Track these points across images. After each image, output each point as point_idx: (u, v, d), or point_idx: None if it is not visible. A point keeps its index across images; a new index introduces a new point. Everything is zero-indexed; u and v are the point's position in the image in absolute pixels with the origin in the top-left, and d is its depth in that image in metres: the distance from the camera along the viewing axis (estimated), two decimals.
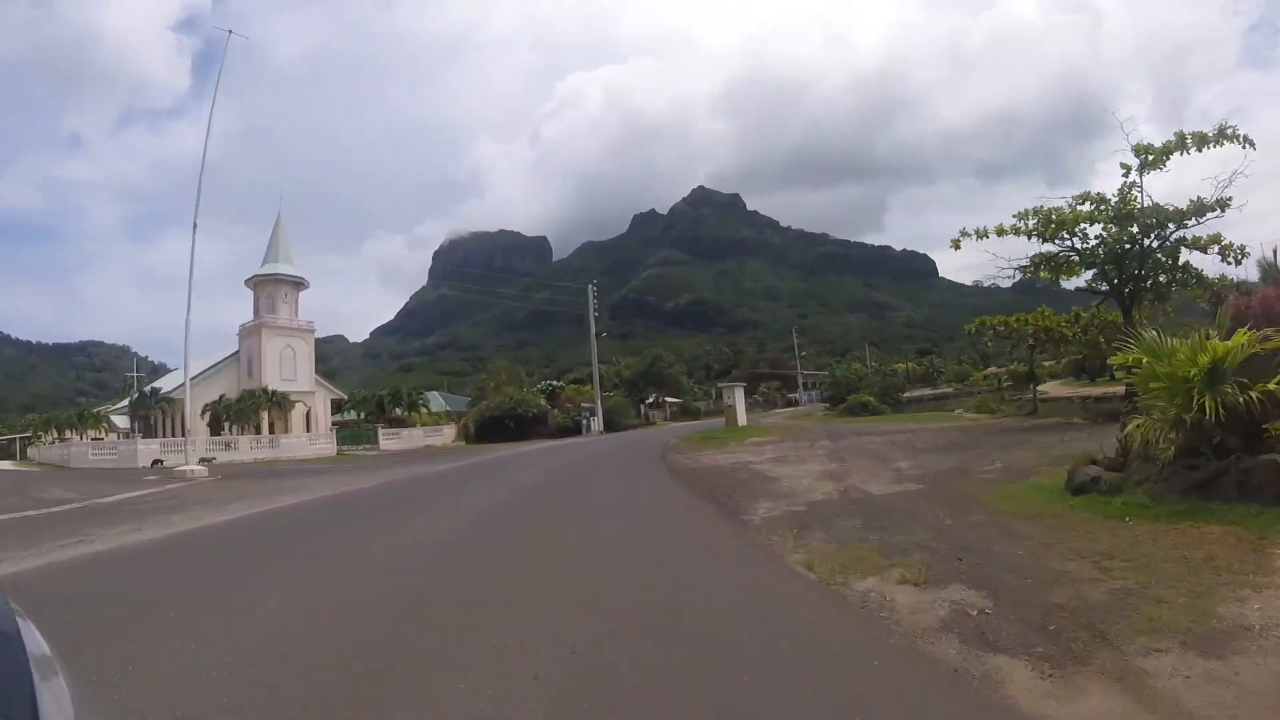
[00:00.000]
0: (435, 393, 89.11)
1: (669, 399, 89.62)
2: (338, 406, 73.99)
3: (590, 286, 77.30)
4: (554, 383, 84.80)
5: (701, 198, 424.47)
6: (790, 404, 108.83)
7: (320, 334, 78.03)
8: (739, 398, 48.32)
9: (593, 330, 75.31)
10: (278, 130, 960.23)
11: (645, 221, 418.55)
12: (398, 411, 68.93)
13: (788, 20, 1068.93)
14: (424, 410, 72.81)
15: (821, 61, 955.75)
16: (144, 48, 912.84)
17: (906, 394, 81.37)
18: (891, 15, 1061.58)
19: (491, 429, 63.29)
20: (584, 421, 66.33)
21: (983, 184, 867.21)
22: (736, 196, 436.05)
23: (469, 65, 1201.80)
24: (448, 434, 67.37)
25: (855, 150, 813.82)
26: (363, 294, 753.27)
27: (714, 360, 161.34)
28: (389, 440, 61.38)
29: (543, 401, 69.55)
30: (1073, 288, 32.96)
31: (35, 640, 1.47)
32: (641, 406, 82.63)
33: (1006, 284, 35.51)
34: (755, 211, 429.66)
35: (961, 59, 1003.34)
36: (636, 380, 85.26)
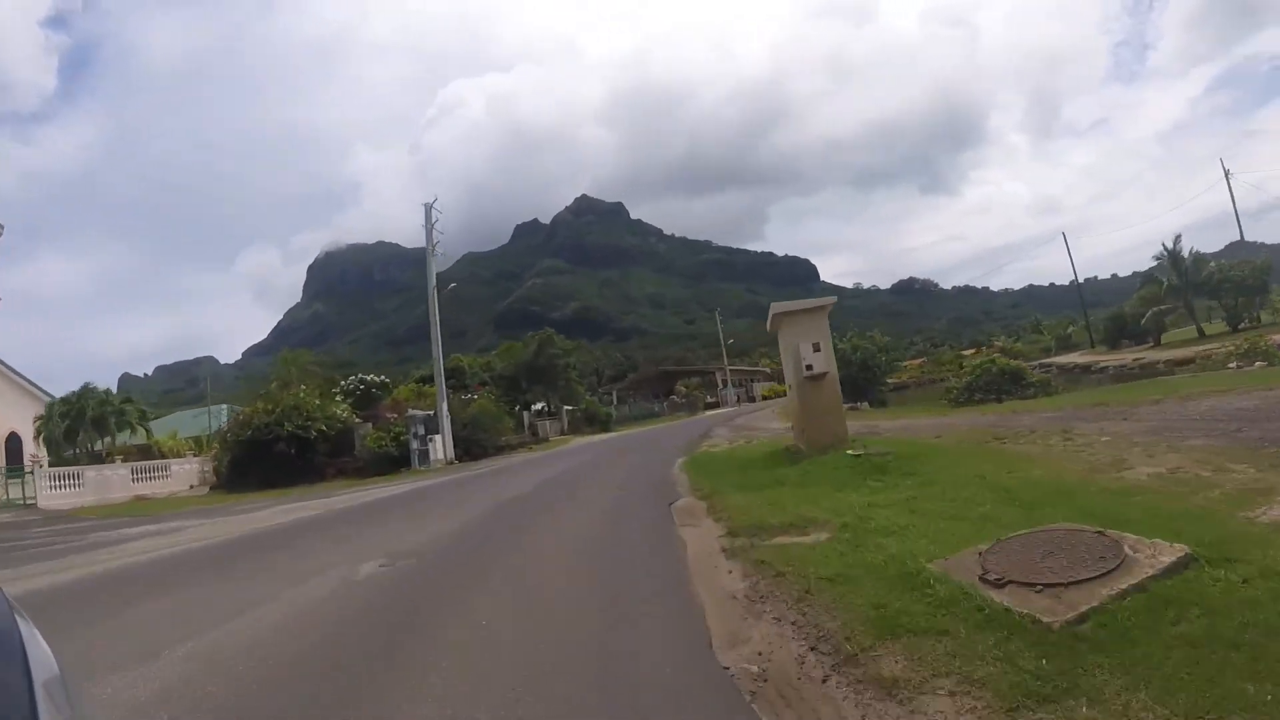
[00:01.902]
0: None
1: (566, 406, 60.31)
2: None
3: (427, 204, 43.67)
4: (368, 379, 48.11)
5: (585, 206, 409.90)
6: (713, 405, 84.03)
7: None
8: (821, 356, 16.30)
9: (431, 270, 42.61)
10: (147, 138, 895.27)
11: (528, 231, 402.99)
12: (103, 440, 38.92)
13: (672, 30, 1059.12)
14: (142, 431, 42.80)
15: (705, 71, 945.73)
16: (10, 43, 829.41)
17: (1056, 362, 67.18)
18: (775, 27, 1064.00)
19: (255, 462, 33.42)
20: (415, 443, 35.58)
21: (860, 192, 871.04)
22: (620, 205, 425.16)
23: (347, 72, 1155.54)
24: (189, 473, 38.16)
25: (737, 159, 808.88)
26: (236, 311, 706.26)
27: (605, 366, 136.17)
28: (57, 492, 33.16)
29: (344, 411, 38.40)
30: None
31: (37, 642, 1.52)
32: (524, 414, 51.89)
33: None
34: (639, 220, 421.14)
35: (842, 70, 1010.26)
36: (518, 376, 55.39)
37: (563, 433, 53.90)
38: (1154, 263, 63.54)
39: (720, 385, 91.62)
